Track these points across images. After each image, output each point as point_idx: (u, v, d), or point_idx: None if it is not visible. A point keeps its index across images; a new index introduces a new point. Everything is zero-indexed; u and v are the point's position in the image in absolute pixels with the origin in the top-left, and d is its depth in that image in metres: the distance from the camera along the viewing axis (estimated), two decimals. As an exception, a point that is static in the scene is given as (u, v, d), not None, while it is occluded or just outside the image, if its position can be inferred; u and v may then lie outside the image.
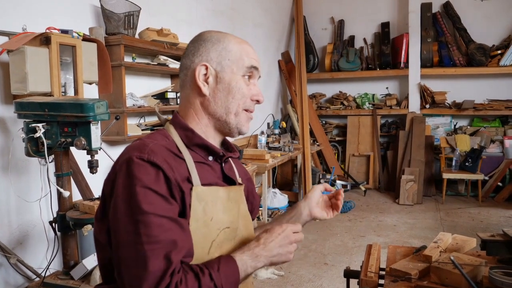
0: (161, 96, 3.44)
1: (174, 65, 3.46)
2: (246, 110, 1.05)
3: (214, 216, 0.97)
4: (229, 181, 1.07)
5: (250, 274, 0.96)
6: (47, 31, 2.29)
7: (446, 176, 5.36)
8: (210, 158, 1.04)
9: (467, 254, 1.45)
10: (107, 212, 0.92)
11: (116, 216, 0.86)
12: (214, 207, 0.97)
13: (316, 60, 6.73)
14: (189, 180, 0.94)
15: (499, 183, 5.61)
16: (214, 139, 1.06)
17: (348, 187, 6.13)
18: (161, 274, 0.81)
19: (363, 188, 5.98)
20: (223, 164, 1.07)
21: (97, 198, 2.22)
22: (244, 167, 1.26)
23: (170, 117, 1.09)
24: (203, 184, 0.96)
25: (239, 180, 1.15)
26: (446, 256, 1.40)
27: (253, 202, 1.23)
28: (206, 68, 1.01)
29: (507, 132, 5.85)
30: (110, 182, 0.92)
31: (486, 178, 5.54)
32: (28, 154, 2.03)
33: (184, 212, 0.92)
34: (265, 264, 0.97)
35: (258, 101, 1.07)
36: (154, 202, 0.85)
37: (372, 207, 5.39)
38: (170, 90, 3.54)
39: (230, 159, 1.13)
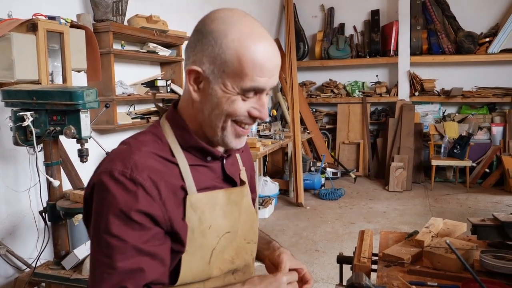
0: (150, 84, 3.40)
1: (164, 52, 3.42)
2: (236, 122, 0.88)
3: (212, 223, 0.90)
4: (230, 180, 0.98)
5: None
6: (34, 17, 2.24)
7: (434, 163, 5.42)
8: (209, 158, 0.93)
9: (458, 239, 1.48)
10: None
11: (91, 229, 0.83)
12: (213, 214, 0.91)
13: (306, 48, 6.71)
14: (183, 187, 0.87)
15: (487, 169, 5.69)
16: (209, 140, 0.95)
17: (339, 175, 6.17)
18: None
19: (353, 176, 6.02)
20: (224, 161, 0.97)
21: (88, 187, 2.20)
22: (249, 151, 1.17)
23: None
24: (199, 189, 0.89)
25: (243, 173, 1.05)
26: (438, 240, 1.41)
27: (253, 191, 1.16)
28: (198, 73, 0.86)
29: (495, 119, 5.92)
30: (89, 189, 0.85)
31: (474, 164, 5.62)
32: (16, 143, 2.00)
33: (172, 229, 0.85)
34: None
35: (257, 118, 0.88)
36: (123, 226, 0.79)
37: (362, 194, 5.44)
38: (159, 78, 3.50)
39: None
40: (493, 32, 5.90)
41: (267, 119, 0.94)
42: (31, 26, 2.19)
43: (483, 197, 5.14)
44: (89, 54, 2.58)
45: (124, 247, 0.78)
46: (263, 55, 0.83)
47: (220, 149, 0.96)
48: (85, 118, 1.95)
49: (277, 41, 6.46)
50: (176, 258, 0.87)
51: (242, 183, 1.02)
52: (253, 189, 1.16)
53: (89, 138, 2.01)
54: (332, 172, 6.04)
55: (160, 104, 0.99)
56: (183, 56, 0.94)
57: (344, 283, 1.12)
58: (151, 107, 3.45)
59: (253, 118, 0.88)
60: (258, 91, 0.85)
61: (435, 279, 1.24)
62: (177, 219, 0.85)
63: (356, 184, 5.90)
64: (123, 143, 0.89)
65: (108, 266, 0.78)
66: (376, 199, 5.20)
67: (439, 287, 1.20)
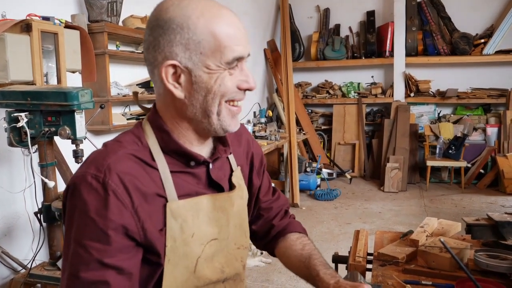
0: (146, 85, 3.39)
1: (159, 53, 3.41)
2: (230, 101, 0.86)
3: (195, 231, 0.87)
4: (216, 186, 0.93)
5: None
6: (28, 18, 2.23)
7: (430, 163, 5.44)
8: (192, 163, 0.88)
9: (453, 238, 1.48)
10: None
11: (64, 232, 0.81)
12: (196, 221, 0.87)
13: (302, 48, 6.72)
14: (162, 194, 0.83)
15: (481, 170, 5.72)
16: (198, 141, 0.90)
17: (334, 175, 6.18)
18: None
19: (348, 176, 6.03)
20: (210, 166, 0.92)
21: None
22: (250, 143, 1.11)
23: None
24: (181, 196, 0.85)
25: (237, 175, 1.00)
26: (432, 240, 1.42)
27: (256, 184, 1.11)
28: (174, 67, 0.81)
29: (489, 120, 5.95)
30: (65, 192, 0.83)
31: (469, 165, 5.64)
32: (10, 144, 1.99)
33: (146, 240, 0.81)
34: None
35: (248, 89, 0.87)
36: (91, 236, 0.76)
37: (358, 195, 5.45)
38: (155, 79, 3.49)
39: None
40: (488, 34, 5.93)
41: (256, 87, 0.92)
42: (25, 26, 2.18)
43: (478, 198, 5.16)
44: (83, 55, 2.58)
45: (88, 259, 0.76)
46: (232, 24, 0.82)
47: (205, 153, 0.93)
48: (80, 119, 1.94)
49: (273, 42, 6.47)
50: (157, 270, 0.85)
51: (233, 187, 0.97)
52: (259, 177, 1.13)
53: (84, 139, 2.01)
54: (328, 173, 6.05)
55: (150, 106, 0.96)
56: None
57: (339, 282, 1.12)
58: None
59: (243, 91, 0.86)
60: (239, 60, 0.84)
61: (429, 278, 1.25)
62: (152, 228, 0.81)
63: (351, 185, 5.91)
64: (103, 144, 0.86)
65: (73, 274, 0.77)
66: (371, 200, 5.21)
67: (434, 286, 1.21)
